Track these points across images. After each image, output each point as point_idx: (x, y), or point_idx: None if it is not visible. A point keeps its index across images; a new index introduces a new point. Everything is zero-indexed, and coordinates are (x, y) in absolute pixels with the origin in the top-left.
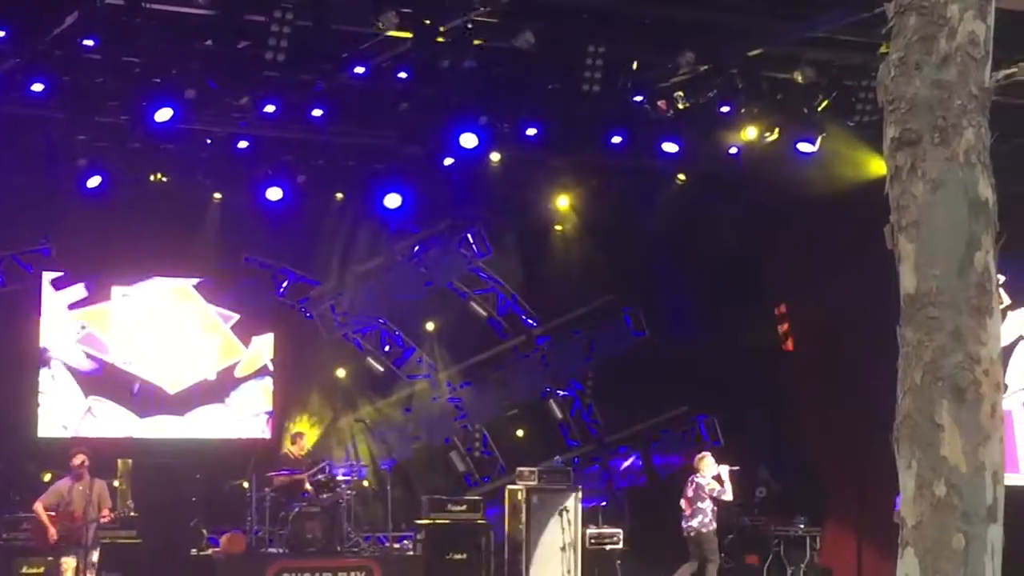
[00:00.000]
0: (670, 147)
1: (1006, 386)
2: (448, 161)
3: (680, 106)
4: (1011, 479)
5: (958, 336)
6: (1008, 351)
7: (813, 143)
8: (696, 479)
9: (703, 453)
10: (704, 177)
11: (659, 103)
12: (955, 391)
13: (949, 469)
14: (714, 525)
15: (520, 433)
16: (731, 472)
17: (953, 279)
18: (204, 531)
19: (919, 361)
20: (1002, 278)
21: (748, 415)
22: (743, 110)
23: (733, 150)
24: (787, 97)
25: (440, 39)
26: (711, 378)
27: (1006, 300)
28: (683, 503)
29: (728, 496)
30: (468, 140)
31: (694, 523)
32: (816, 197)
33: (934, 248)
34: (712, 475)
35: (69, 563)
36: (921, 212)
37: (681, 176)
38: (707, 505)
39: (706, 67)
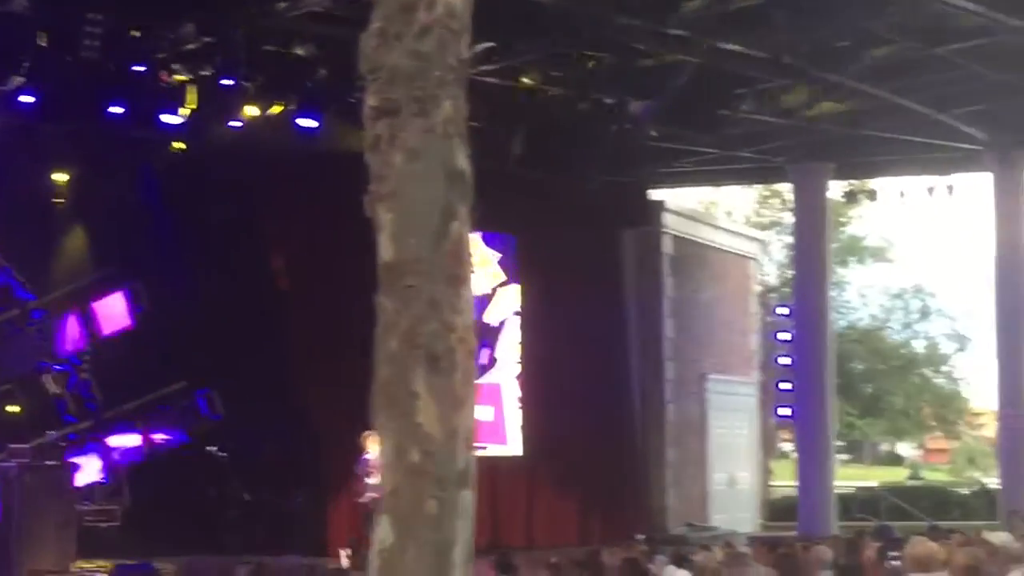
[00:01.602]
0: (171, 118)
1: (496, 359)
2: None
3: (182, 77)
4: (500, 449)
5: (434, 305)
6: (501, 326)
7: (314, 117)
8: (364, 456)
9: (368, 431)
10: (206, 149)
11: (161, 73)
12: (431, 359)
13: (424, 436)
14: None
15: (13, 409)
16: None
17: (429, 248)
18: None
19: (396, 329)
20: (497, 255)
21: (250, 388)
22: (245, 83)
23: (236, 123)
24: (289, 71)
25: None
26: (213, 351)
27: (501, 276)
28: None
29: None
30: None
31: (365, 499)
32: (318, 168)
33: (411, 218)
34: (379, 451)
35: None
36: (399, 182)
37: (181, 145)
38: (376, 480)
39: (208, 39)
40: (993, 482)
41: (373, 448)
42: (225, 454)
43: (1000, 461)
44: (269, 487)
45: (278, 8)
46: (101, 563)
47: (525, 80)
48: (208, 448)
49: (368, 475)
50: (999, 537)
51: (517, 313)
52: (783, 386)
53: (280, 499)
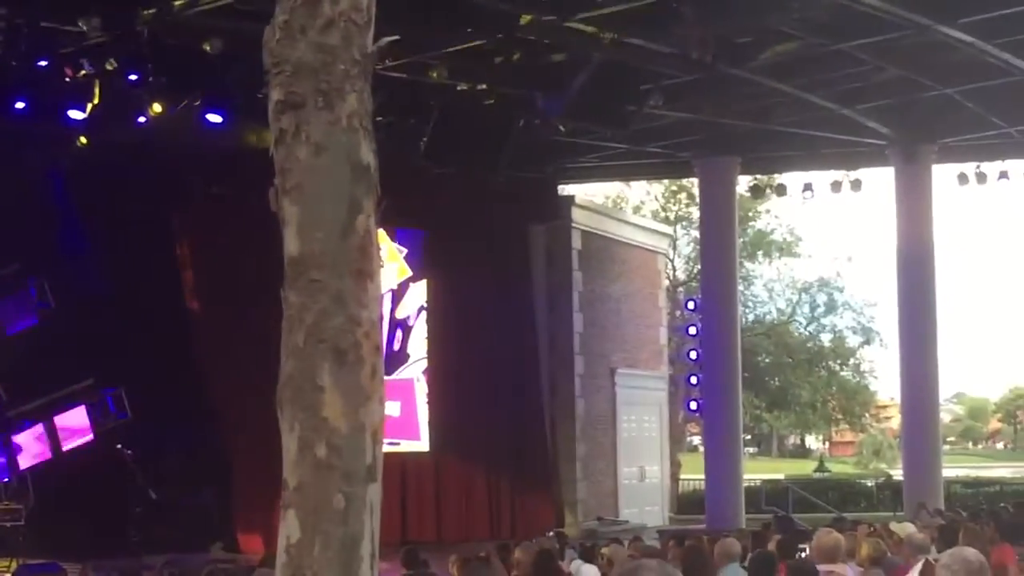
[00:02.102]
0: (76, 114)
1: (409, 355)
2: None
3: (86, 72)
4: (413, 445)
5: (340, 299)
6: (415, 321)
7: (220, 113)
8: None
9: None
10: (113, 144)
11: (66, 69)
12: (337, 353)
13: (330, 431)
14: None
15: None
16: None
17: (335, 242)
18: None
19: (302, 324)
20: (404, 250)
21: (159, 385)
22: (151, 78)
23: (142, 119)
24: (196, 67)
25: None
26: (121, 349)
27: (408, 272)
28: None
29: None
30: None
31: None
32: (224, 163)
33: (317, 212)
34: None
35: None
36: (304, 176)
37: (83, 139)
38: None
39: (113, 34)
40: (898, 474)
41: None
42: (132, 452)
43: (904, 453)
44: (176, 485)
45: (184, 3)
46: (5, 563)
47: (432, 75)
48: (115, 446)
49: None
50: (904, 528)
51: (424, 308)
52: (693, 380)
53: (187, 497)
